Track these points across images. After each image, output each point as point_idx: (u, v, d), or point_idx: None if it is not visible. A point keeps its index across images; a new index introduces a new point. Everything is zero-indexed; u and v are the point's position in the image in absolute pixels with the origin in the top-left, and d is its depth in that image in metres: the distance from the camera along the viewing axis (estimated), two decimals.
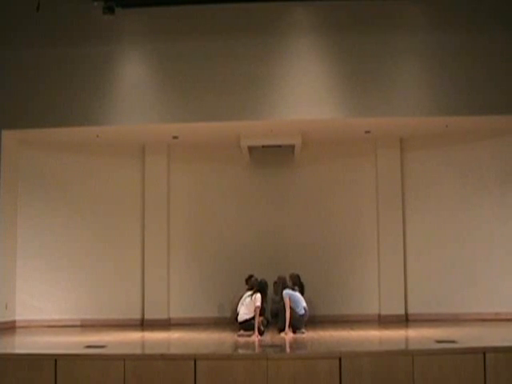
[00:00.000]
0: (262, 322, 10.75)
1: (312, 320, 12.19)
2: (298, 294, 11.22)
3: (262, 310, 10.70)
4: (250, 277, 12.22)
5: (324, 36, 12.63)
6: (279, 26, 12.65)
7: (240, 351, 8.91)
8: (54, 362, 7.96)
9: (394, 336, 10.57)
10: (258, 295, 10.62)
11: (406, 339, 10.21)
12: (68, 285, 13.96)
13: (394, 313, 13.74)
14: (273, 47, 12.59)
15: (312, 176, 14.50)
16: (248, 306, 10.70)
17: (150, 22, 12.90)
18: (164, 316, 13.97)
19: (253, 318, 10.54)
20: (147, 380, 7.82)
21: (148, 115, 12.64)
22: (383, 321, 13.69)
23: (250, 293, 10.94)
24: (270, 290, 11.58)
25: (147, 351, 9.19)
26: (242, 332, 10.71)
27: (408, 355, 7.89)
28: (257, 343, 9.69)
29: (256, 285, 10.95)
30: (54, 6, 12.62)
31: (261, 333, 10.57)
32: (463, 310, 13.46)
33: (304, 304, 11.13)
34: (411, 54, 12.52)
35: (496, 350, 7.99)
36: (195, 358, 7.87)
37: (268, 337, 10.54)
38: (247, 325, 10.62)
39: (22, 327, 13.28)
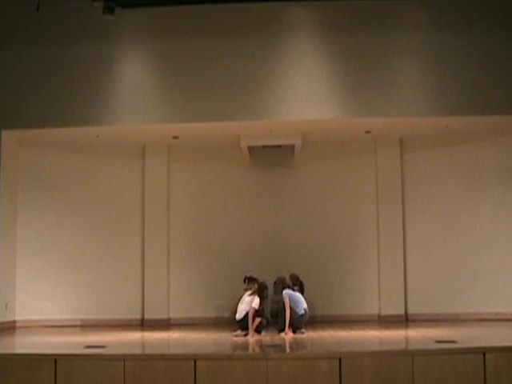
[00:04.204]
0: (262, 322, 10.73)
1: (312, 320, 12.19)
2: (297, 294, 11.23)
3: (259, 312, 10.66)
4: (250, 277, 12.20)
5: (324, 36, 12.64)
6: (279, 26, 12.65)
7: (240, 351, 8.91)
8: (54, 361, 7.96)
9: (394, 336, 10.57)
10: (257, 298, 10.62)
11: (406, 339, 10.20)
12: (68, 285, 13.97)
13: (394, 313, 13.75)
14: (273, 47, 12.59)
15: (312, 176, 14.50)
16: (248, 303, 10.70)
17: (150, 22, 12.91)
18: (164, 316, 13.98)
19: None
20: (147, 380, 7.82)
21: (148, 115, 12.64)
22: (383, 321, 13.69)
23: (249, 292, 10.96)
24: (270, 290, 11.56)
25: (147, 351, 9.19)
26: (238, 332, 10.71)
27: (408, 355, 7.89)
28: (254, 342, 9.69)
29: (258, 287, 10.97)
30: (54, 6, 12.62)
31: (258, 331, 10.55)
32: (463, 310, 13.46)
33: (304, 305, 11.13)
34: (411, 54, 12.53)
35: (496, 350, 7.99)
36: (195, 358, 7.88)
37: (268, 337, 10.55)
38: (244, 322, 10.60)
39: (22, 327, 13.28)
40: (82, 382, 7.89)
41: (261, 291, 10.77)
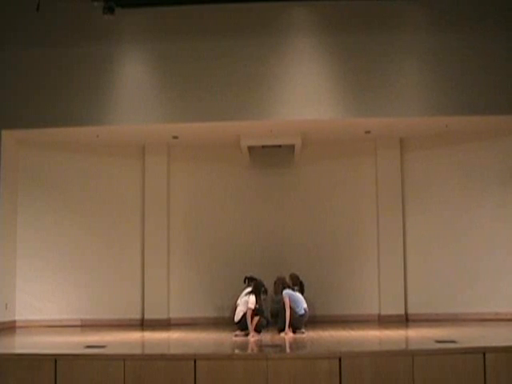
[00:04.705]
0: (261, 321, 10.73)
1: (312, 320, 12.19)
2: (297, 294, 11.23)
3: (257, 311, 10.66)
4: (250, 277, 12.20)
5: (324, 36, 12.63)
6: (279, 25, 12.65)
7: (239, 351, 8.91)
8: (54, 361, 7.96)
9: (394, 336, 10.57)
10: (252, 297, 10.62)
11: (406, 339, 10.21)
12: (68, 285, 13.96)
13: (394, 313, 13.75)
14: (273, 47, 12.59)
15: (312, 176, 14.50)
16: (244, 304, 10.71)
17: (150, 22, 12.90)
18: (164, 316, 13.98)
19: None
20: (147, 380, 7.83)
21: (148, 115, 12.63)
22: (383, 321, 13.69)
23: (247, 291, 10.97)
24: (270, 290, 11.57)
25: (147, 351, 9.19)
26: (238, 332, 10.71)
27: (408, 355, 7.89)
28: (254, 342, 9.69)
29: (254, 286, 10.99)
30: (53, 6, 12.62)
31: (258, 331, 10.56)
32: (463, 310, 13.46)
33: (304, 305, 11.13)
34: (411, 54, 12.53)
35: (496, 349, 8.00)
36: (195, 358, 7.88)
37: (268, 337, 10.54)
38: (242, 323, 10.61)
39: (22, 327, 13.28)
40: (82, 382, 7.89)
41: (256, 289, 10.77)
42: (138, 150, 14.51)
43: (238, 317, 10.75)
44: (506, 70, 12.33)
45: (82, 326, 13.67)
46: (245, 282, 12.06)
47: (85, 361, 8.03)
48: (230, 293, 13.46)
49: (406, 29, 12.59)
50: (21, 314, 13.56)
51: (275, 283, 11.63)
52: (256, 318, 10.59)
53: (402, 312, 13.79)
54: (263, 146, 14.14)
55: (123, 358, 7.95)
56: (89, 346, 8.98)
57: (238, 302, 11.04)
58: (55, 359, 7.99)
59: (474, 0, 12.61)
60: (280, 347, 9.08)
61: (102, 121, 12.67)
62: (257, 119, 12.55)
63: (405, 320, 13.67)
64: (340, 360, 7.78)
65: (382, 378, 7.74)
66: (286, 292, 11.05)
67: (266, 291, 11.02)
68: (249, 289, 11.07)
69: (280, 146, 14.13)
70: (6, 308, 13.11)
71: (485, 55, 12.38)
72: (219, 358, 8.02)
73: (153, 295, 14.04)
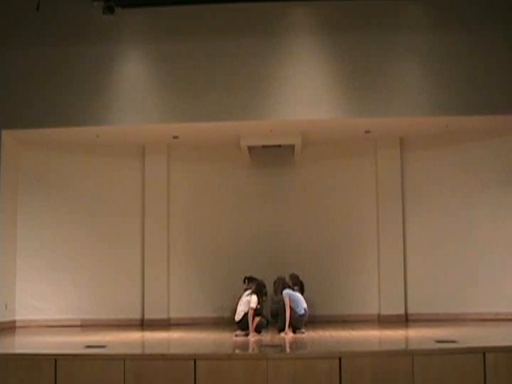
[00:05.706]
0: (261, 322, 10.74)
1: (312, 320, 12.20)
2: (297, 294, 11.23)
3: (258, 311, 10.67)
4: (250, 277, 12.20)
5: (324, 36, 12.64)
6: (279, 26, 12.65)
7: (239, 351, 8.91)
8: (54, 361, 7.94)
9: (394, 336, 10.57)
10: (254, 297, 10.63)
11: (406, 339, 10.20)
12: (68, 285, 13.97)
13: (394, 313, 13.75)
14: (273, 47, 12.59)
15: (312, 176, 14.50)
16: (246, 304, 10.71)
17: (150, 22, 12.91)
18: (164, 316, 13.98)
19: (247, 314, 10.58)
20: (147, 380, 7.82)
21: (148, 115, 12.64)
22: (383, 321, 13.69)
23: (248, 292, 10.98)
24: (270, 290, 11.57)
25: (147, 351, 9.19)
26: (239, 332, 10.71)
27: (408, 355, 7.88)
28: (254, 342, 9.69)
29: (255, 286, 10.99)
30: (54, 6, 12.63)
31: (258, 331, 10.56)
32: (463, 309, 13.46)
33: (304, 305, 11.13)
34: (411, 54, 12.53)
35: (496, 349, 7.98)
36: (195, 358, 7.87)
37: (268, 337, 10.54)
38: (243, 323, 10.61)
39: (22, 327, 13.28)
40: (82, 382, 7.88)
41: (258, 289, 10.78)
42: (138, 150, 14.51)
43: (238, 316, 10.76)
44: (506, 70, 12.33)
45: (81, 325, 13.67)
46: (244, 282, 12.05)
47: (85, 361, 8.03)
48: (229, 293, 13.46)
49: (406, 29, 12.59)
50: (21, 314, 13.56)
51: (275, 283, 11.63)
52: (257, 319, 10.60)
53: (402, 312, 13.79)
54: (263, 146, 14.14)
55: (123, 358, 7.94)
56: (89, 346, 8.97)
57: (240, 302, 11.03)
58: (55, 359, 7.97)
59: (474, 0, 12.61)
60: (280, 347, 9.08)
61: (102, 121, 12.68)
62: (257, 119, 12.56)
63: (405, 320, 13.67)
64: (340, 360, 7.76)
65: (382, 378, 7.73)
66: (286, 292, 11.05)
67: (266, 294, 11.01)
68: (248, 291, 11.05)
69: (280, 146, 14.13)
70: (6, 308, 13.11)
71: (485, 55, 12.39)
72: (219, 358, 8.01)
73: (153, 295, 14.04)
